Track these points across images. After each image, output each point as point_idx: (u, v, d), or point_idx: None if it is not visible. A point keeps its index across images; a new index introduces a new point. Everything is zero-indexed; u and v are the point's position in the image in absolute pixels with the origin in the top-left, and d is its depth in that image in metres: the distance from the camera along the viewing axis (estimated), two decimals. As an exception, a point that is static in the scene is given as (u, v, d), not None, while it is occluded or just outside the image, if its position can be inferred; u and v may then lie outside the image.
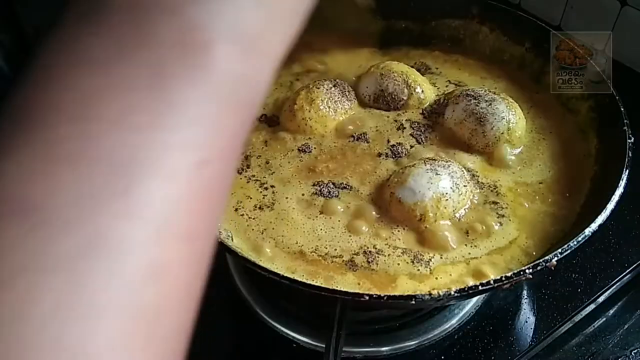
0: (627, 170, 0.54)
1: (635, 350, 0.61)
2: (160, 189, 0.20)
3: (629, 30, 0.80)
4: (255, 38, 0.23)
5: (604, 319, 0.65)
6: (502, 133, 0.62)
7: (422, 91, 0.69)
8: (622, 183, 0.53)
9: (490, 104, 0.63)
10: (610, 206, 0.51)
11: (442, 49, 0.79)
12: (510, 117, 0.63)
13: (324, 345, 0.55)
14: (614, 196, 0.52)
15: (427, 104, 0.69)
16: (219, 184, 0.23)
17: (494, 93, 0.65)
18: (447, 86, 0.73)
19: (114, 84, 0.20)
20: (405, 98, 0.68)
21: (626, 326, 0.64)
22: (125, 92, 0.20)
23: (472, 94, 0.65)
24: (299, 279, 0.48)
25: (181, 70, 0.21)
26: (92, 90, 0.20)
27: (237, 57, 0.22)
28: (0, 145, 0.19)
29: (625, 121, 0.59)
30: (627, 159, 0.55)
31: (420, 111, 0.69)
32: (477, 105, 0.63)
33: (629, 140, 0.57)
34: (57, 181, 0.19)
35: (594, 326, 0.64)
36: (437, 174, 0.56)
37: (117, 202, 0.19)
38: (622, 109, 0.60)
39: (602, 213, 0.50)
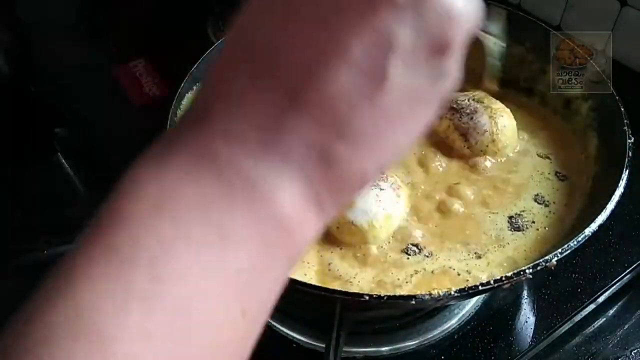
0: (627, 170, 0.54)
1: (635, 350, 0.61)
2: (209, 336, 0.22)
3: (629, 30, 0.80)
4: (312, 209, 0.25)
5: (604, 319, 0.65)
6: (487, 146, 0.63)
7: None
8: (622, 183, 0.53)
9: (472, 118, 0.63)
10: (610, 206, 0.51)
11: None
12: (493, 128, 0.62)
13: (324, 345, 0.55)
14: (614, 196, 0.52)
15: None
16: (254, 332, 0.25)
17: (478, 101, 0.64)
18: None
19: (188, 237, 0.22)
20: None
21: (626, 326, 0.64)
22: (196, 247, 0.22)
23: (455, 106, 0.64)
24: (299, 279, 0.48)
25: (245, 231, 0.23)
26: (169, 240, 0.22)
27: (294, 224, 0.25)
28: (84, 274, 0.21)
29: (625, 121, 0.59)
30: (627, 159, 0.55)
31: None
32: (459, 120, 0.63)
33: (629, 140, 0.57)
34: (128, 319, 0.21)
35: (594, 326, 0.64)
36: (381, 189, 0.56)
37: (174, 345, 0.21)
38: (622, 109, 0.60)
39: (602, 213, 0.50)
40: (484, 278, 0.53)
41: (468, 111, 0.63)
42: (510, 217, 0.59)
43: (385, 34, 0.23)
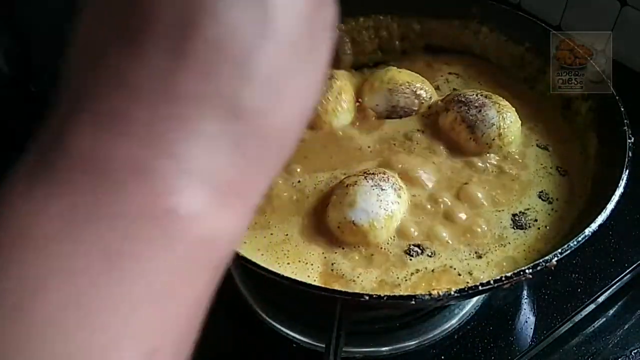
0: (627, 171, 0.54)
1: (635, 350, 0.61)
2: None
3: (629, 30, 0.80)
4: (230, 192, 0.21)
5: (604, 319, 0.65)
6: (493, 139, 0.63)
7: (430, 97, 0.70)
8: (622, 183, 0.53)
9: (480, 110, 0.63)
10: (610, 206, 0.51)
11: (442, 49, 0.79)
12: (500, 122, 0.62)
13: (324, 345, 0.55)
14: (614, 196, 0.52)
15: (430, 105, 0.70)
16: None
17: (486, 97, 0.65)
18: (448, 84, 0.74)
19: (61, 268, 0.18)
20: (416, 109, 0.69)
21: (626, 326, 0.64)
22: (72, 277, 0.18)
23: (463, 99, 0.65)
24: (299, 279, 0.48)
25: (142, 245, 0.19)
26: (36, 278, 0.18)
27: (208, 219, 0.20)
28: None
29: (625, 121, 0.59)
30: (627, 159, 0.55)
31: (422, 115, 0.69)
32: (467, 113, 0.63)
33: (629, 140, 0.57)
34: None
35: (594, 326, 0.64)
36: (382, 189, 0.56)
37: None
38: (622, 109, 0.60)
39: (602, 213, 0.50)
40: (484, 278, 0.53)
41: (476, 104, 0.64)
42: (514, 215, 0.59)
43: None
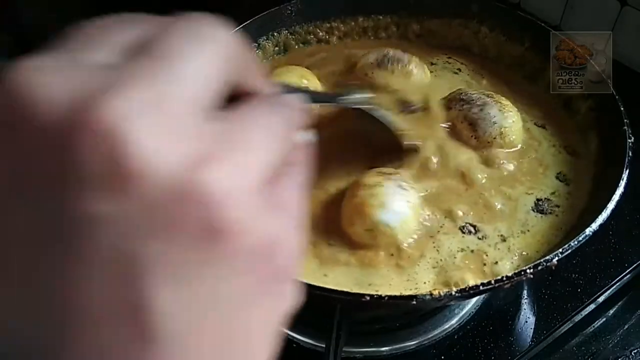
0: (627, 171, 0.54)
1: (635, 350, 0.61)
2: None
3: (629, 30, 0.80)
4: None
5: (604, 319, 0.65)
6: (495, 138, 0.63)
7: (415, 65, 0.71)
8: (622, 183, 0.53)
9: (482, 109, 0.63)
10: (611, 206, 0.51)
11: (442, 48, 0.79)
12: (502, 121, 0.63)
13: (324, 345, 0.55)
14: (614, 196, 0.52)
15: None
16: None
17: (487, 96, 0.65)
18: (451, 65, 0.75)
19: None
20: (406, 60, 0.71)
21: (626, 326, 0.64)
22: None
23: (465, 98, 0.65)
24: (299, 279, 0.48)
25: None
26: None
27: None
28: None
29: (625, 121, 0.59)
30: (627, 159, 0.55)
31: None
32: (469, 111, 0.64)
33: (629, 140, 0.57)
34: None
35: (594, 326, 0.64)
36: (403, 189, 0.56)
37: None
38: (622, 109, 0.60)
39: (603, 213, 0.50)
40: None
41: (479, 103, 0.64)
42: (538, 200, 0.59)
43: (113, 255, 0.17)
